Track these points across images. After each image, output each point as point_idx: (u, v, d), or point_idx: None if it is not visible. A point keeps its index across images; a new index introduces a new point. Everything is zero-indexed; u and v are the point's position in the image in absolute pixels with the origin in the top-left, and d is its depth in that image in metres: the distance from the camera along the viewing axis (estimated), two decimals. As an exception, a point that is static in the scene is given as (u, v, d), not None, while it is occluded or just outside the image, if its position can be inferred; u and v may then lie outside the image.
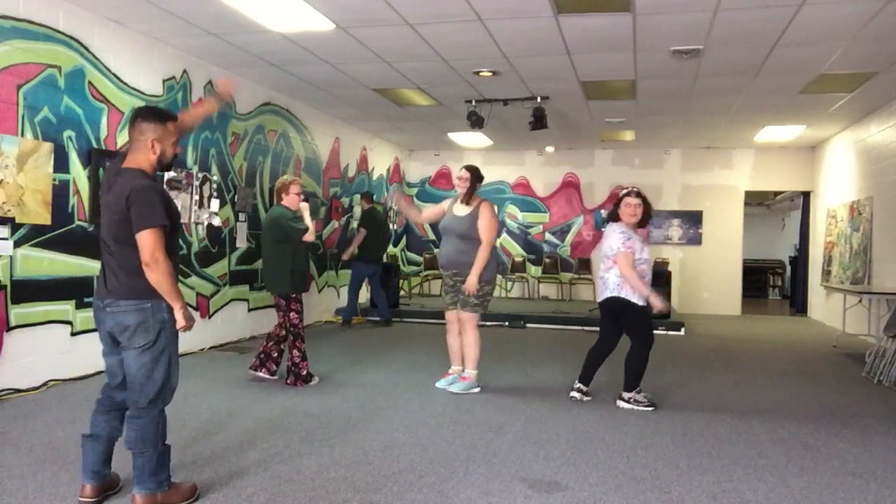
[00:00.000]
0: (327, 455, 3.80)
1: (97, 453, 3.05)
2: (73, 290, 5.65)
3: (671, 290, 10.41)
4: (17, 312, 5.23)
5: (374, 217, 9.71)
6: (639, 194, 5.20)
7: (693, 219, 12.82)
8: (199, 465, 3.60)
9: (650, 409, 5.04)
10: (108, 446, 3.09)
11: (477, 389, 5.48)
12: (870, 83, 7.75)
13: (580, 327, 9.63)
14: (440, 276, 5.73)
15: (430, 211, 6.01)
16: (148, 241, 2.82)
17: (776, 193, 15.43)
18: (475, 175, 5.53)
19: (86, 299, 5.74)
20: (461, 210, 5.48)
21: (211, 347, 7.36)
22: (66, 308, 5.65)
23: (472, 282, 5.30)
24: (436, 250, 13.20)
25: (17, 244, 5.20)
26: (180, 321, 2.96)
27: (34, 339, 5.37)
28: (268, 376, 5.73)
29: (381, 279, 9.84)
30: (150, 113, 3.02)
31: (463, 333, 5.49)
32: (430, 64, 7.36)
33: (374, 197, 11.99)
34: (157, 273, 2.84)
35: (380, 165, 12.57)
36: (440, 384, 5.60)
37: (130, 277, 2.92)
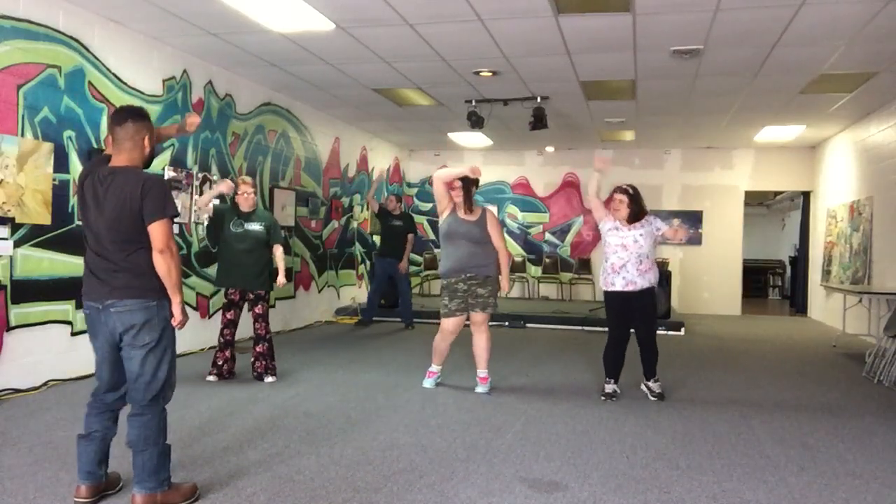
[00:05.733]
0: (327, 455, 3.80)
1: (91, 453, 3.05)
2: (73, 290, 5.63)
3: (671, 290, 10.40)
4: (17, 312, 5.24)
5: (412, 218, 9.89)
6: (624, 191, 5.36)
7: (693, 219, 12.81)
8: (199, 465, 3.60)
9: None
10: (103, 446, 3.09)
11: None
12: (870, 83, 7.75)
13: (580, 327, 9.60)
14: (441, 281, 5.72)
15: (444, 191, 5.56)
16: (163, 230, 2.93)
17: (776, 193, 15.44)
18: (466, 182, 5.49)
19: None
20: (469, 216, 5.49)
21: (211, 347, 7.34)
22: (66, 308, 5.65)
23: (505, 283, 5.62)
24: (436, 251, 13.21)
25: (17, 244, 5.21)
26: (178, 315, 3.02)
27: (34, 339, 5.37)
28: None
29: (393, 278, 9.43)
30: (139, 113, 3.08)
31: (481, 334, 5.54)
32: (430, 64, 7.36)
33: (376, 198, 12.03)
34: (170, 261, 2.94)
35: (380, 165, 12.56)
36: (427, 384, 5.66)
37: (135, 277, 2.95)
